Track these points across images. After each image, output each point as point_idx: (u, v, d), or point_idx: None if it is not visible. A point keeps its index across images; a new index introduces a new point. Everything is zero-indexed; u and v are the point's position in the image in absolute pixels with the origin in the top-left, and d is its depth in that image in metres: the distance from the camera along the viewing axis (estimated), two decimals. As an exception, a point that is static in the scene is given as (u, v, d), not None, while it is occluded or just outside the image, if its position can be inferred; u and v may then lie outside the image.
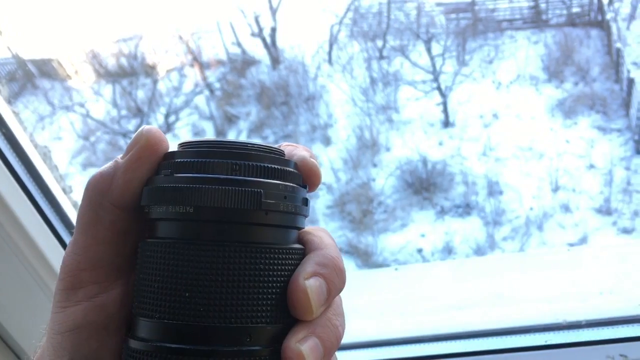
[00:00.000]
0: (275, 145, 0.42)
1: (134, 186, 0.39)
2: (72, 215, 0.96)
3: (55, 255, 0.89)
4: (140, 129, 0.40)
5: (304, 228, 0.41)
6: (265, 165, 0.38)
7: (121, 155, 0.40)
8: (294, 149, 0.42)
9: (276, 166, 0.38)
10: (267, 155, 0.39)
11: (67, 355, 0.39)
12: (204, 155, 0.37)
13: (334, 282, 0.39)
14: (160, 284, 0.36)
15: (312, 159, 0.42)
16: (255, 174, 0.37)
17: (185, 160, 0.37)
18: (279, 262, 0.37)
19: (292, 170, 0.40)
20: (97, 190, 0.39)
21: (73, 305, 0.39)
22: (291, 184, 0.39)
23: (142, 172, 0.39)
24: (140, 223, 0.40)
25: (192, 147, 0.39)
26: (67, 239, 0.91)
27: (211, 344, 0.35)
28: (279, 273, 0.37)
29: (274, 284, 0.37)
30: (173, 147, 0.41)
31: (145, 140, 0.39)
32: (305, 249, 0.40)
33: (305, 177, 0.41)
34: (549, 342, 0.98)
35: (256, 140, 0.42)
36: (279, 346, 0.37)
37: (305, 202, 0.40)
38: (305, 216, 0.40)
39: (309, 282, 0.37)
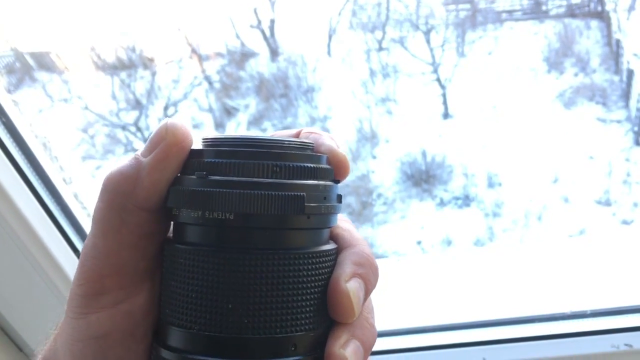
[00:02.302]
0: (295, 131, 0.41)
1: (161, 187, 0.36)
2: (73, 206, 0.95)
3: (57, 246, 0.88)
4: (164, 123, 0.37)
5: (335, 224, 0.39)
6: (305, 165, 0.36)
7: (140, 151, 0.37)
8: (320, 138, 0.40)
9: (314, 165, 0.36)
10: (304, 153, 0.37)
11: None
12: (240, 155, 0.35)
13: (371, 281, 0.38)
14: (198, 294, 0.34)
15: (341, 151, 0.40)
16: (296, 176, 0.35)
17: (220, 161, 0.35)
18: (319, 265, 0.36)
19: (327, 167, 0.38)
20: (119, 192, 0.36)
21: (96, 311, 0.37)
22: (328, 183, 0.37)
23: (169, 172, 0.36)
24: (164, 224, 0.38)
25: (224, 146, 0.36)
26: (67, 229, 0.91)
27: (256, 357, 0.34)
28: (319, 277, 0.36)
29: (315, 289, 0.36)
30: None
31: (172, 136, 0.36)
32: (337, 245, 0.39)
33: (335, 170, 0.39)
34: (553, 332, 0.98)
35: (284, 132, 0.41)
36: (321, 352, 0.36)
37: (340, 199, 0.39)
38: (338, 213, 0.39)
39: (350, 285, 0.36)
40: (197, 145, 0.38)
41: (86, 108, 7.07)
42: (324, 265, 0.36)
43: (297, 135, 0.41)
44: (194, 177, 0.35)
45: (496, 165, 6.30)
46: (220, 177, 0.34)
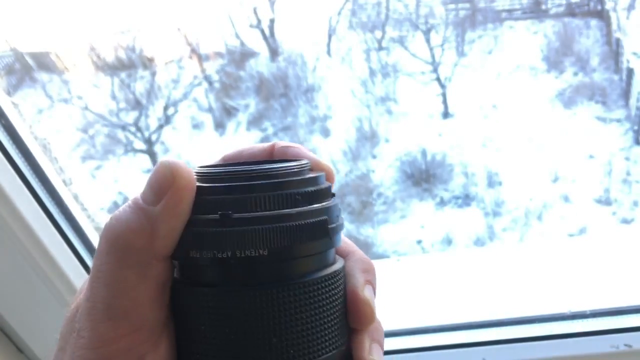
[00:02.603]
0: (268, 145, 0.41)
1: (177, 233, 0.35)
2: (72, 207, 0.95)
3: (56, 247, 0.88)
4: (165, 166, 0.35)
5: None
6: (317, 188, 0.36)
7: (142, 198, 0.35)
8: (300, 152, 0.41)
9: (323, 186, 0.37)
10: (311, 176, 0.37)
11: None
12: (255, 189, 0.34)
13: (375, 283, 0.40)
14: (239, 334, 0.34)
15: (325, 162, 0.40)
16: (314, 201, 0.36)
17: (238, 197, 0.34)
18: (340, 281, 0.37)
19: (329, 184, 0.39)
20: (133, 247, 0.34)
21: None
22: (336, 201, 0.38)
23: (184, 216, 0.35)
24: (172, 267, 0.37)
25: (232, 181, 0.35)
26: (67, 230, 0.91)
27: None
28: (340, 292, 0.37)
29: (340, 305, 0.37)
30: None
31: (181, 179, 0.34)
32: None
33: None
34: (553, 332, 0.98)
35: (256, 147, 0.41)
36: None
37: (340, 211, 0.39)
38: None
39: (366, 293, 0.37)
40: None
41: (86, 108, 7.06)
42: (342, 280, 0.37)
43: (271, 149, 0.41)
44: (215, 216, 0.34)
45: (496, 165, 6.30)
46: (245, 214, 0.34)
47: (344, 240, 0.41)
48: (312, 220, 0.35)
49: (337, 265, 0.37)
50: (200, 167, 0.38)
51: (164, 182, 0.34)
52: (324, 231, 0.35)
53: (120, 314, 0.34)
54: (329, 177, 0.40)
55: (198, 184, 0.36)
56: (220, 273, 0.35)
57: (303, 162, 0.38)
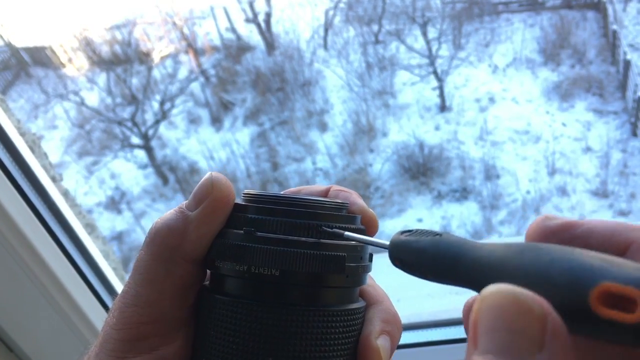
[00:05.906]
0: (324, 188, 0.43)
1: (207, 240, 0.38)
2: (61, 205, 0.94)
3: (44, 245, 0.87)
4: (208, 177, 0.39)
5: (367, 283, 0.41)
6: (345, 226, 0.38)
7: (185, 204, 0.39)
8: (350, 197, 0.42)
9: (353, 226, 0.38)
10: (342, 214, 0.39)
11: None
12: (286, 214, 0.37)
13: (396, 337, 0.40)
14: (239, 346, 0.35)
15: (370, 210, 0.42)
16: (337, 237, 0.37)
17: (267, 218, 0.37)
18: (353, 322, 0.38)
19: (362, 227, 0.40)
20: (166, 245, 0.38)
21: (133, 356, 0.38)
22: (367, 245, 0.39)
23: (216, 226, 0.38)
24: (204, 274, 0.39)
25: (269, 204, 0.38)
26: (55, 228, 0.89)
27: None
28: (351, 333, 0.38)
29: (348, 344, 0.37)
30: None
31: (219, 191, 0.38)
32: (365, 302, 0.41)
33: (366, 229, 0.41)
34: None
35: (313, 188, 0.43)
36: None
37: (371, 257, 0.40)
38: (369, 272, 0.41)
39: (380, 342, 0.38)
40: (238, 199, 0.40)
41: (82, 103, 7.05)
42: (356, 322, 0.38)
43: (327, 191, 0.44)
44: (241, 232, 0.37)
45: (493, 158, 6.30)
46: (268, 234, 0.36)
47: (375, 289, 0.42)
48: (327, 253, 0.36)
49: (353, 305, 0.38)
50: (250, 190, 0.40)
51: (204, 192, 0.38)
52: (339, 267, 0.36)
53: (145, 302, 0.38)
54: (371, 225, 0.42)
55: (239, 202, 0.39)
56: (235, 285, 0.37)
57: (339, 201, 0.40)
